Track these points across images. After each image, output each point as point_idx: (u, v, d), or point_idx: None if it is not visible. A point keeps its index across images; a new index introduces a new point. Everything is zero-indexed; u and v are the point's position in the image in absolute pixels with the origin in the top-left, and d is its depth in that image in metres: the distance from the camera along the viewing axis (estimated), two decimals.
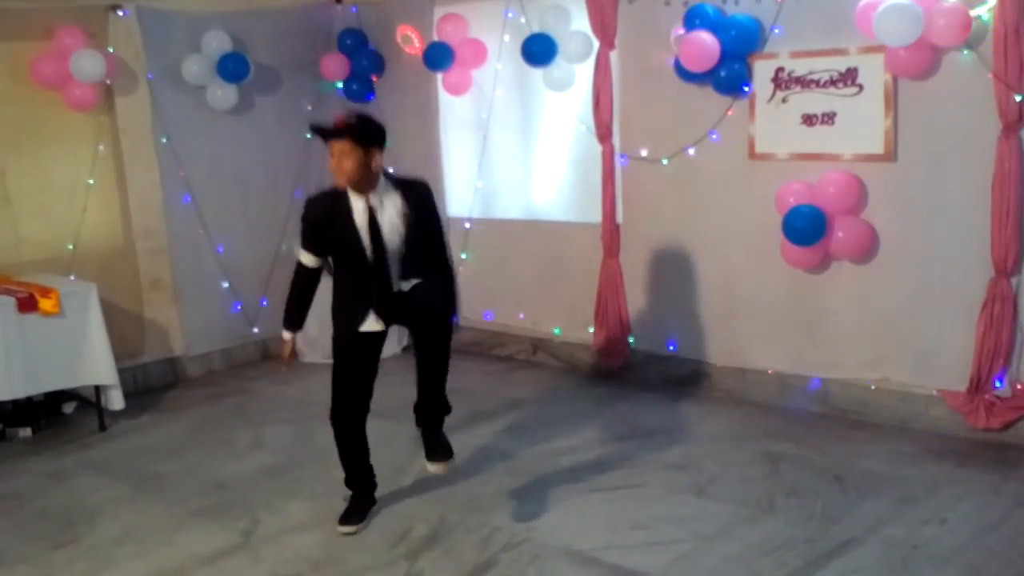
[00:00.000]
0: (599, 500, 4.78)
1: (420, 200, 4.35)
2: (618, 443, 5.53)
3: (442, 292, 4.47)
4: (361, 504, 4.71)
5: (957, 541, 4.18)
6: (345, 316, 4.46)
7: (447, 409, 4.64)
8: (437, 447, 4.53)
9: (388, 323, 4.43)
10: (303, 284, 4.54)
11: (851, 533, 4.29)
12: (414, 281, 4.36)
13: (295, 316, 4.64)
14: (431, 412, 4.56)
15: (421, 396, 4.55)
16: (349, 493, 4.73)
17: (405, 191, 4.32)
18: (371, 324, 4.41)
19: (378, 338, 4.48)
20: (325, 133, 4.21)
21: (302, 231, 4.43)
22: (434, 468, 4.52)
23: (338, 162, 4.15)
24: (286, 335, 4.68)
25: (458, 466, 5.15)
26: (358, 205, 4.25)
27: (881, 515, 4.46)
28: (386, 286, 4.32)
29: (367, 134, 4.17)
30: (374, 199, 4.24)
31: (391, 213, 4.26)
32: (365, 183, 4.21)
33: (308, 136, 7.74)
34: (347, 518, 4.62)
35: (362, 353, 4.49)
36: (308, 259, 4.44)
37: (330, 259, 4.47)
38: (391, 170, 4.43)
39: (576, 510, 4.67)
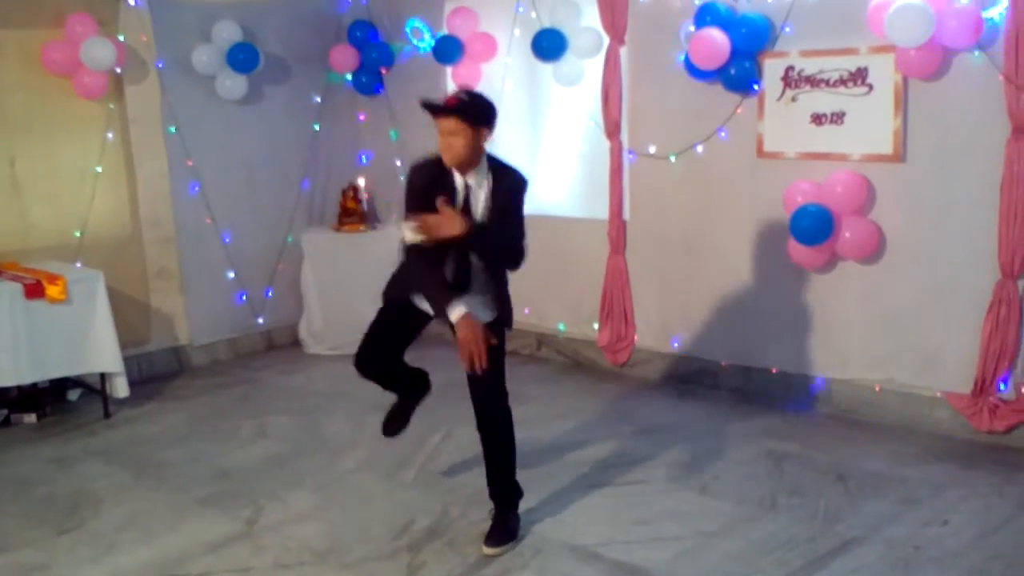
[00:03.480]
0: (602, 495, 4.79)
1: (507, 191, 4.12)
2: (621, 439, 5.53)
3: (508, 310, 4.28)
4: (402, 409, 4.67)
5: (959, 543, 4.18)
6: (411, 284, 4.23)
7: (514, 492, 4.40)
8: (493, 528, 4.30)
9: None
10: (424, 260, 4.11)
11: (853, 533, 4.29)
12: (492, 283, 4.22)
13: (447, 288, 4.11)
14: (493, 489, 4.38)
15: (487, 468, 4.38)
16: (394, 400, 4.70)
17: (498, 177, 4.12)
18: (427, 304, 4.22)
19: (423, 318, 4.32)
20: (435, 110, 4.01)
21: (407, 198, 4.16)
22: (485, 549, 4.22)
23: (447, 141, 3.98)
24: (459, 312, 4.01)
25: (461, 460, 5.19)
26: (458, 182, 4.09)
27: (883, 515, 4.46)
28: (463, 273, 4.15)
29: (479, 112, 4.00)
30: (472, 179, 4.09)
31: (481, 196, 4.11)
32: (470, 163, 4.06)
33: (316, 127, 7.78)
34: (387, 427, 4.67)
35: (404, 319, 4.33)
36: (411, 232, 4.05)
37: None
38: (492, 153, 4.23)
39: (579, 505, 4.68)
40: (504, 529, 4.31)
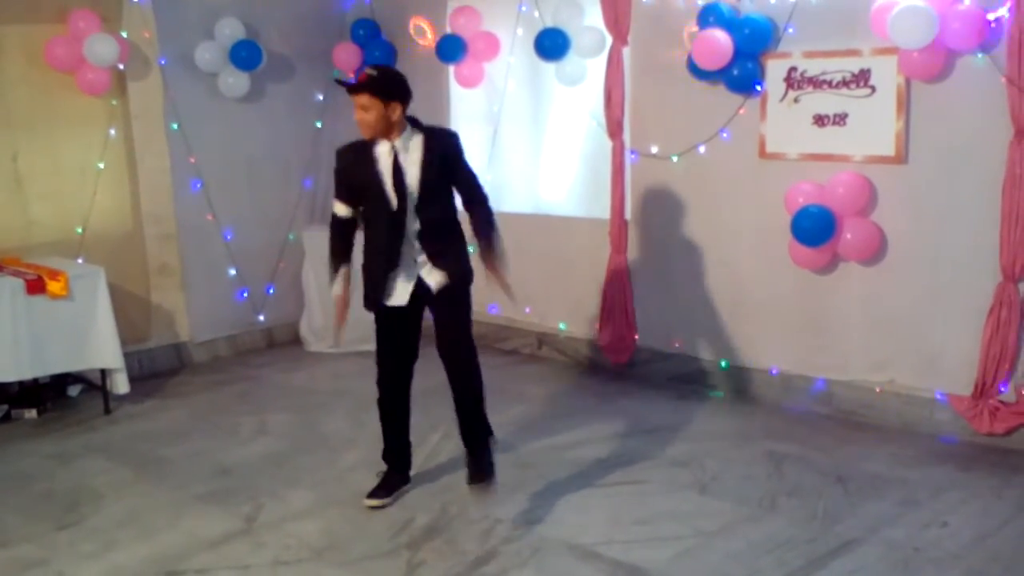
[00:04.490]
0: (601, 495, 4.79)
1: (441, 145, 4.46)
2: (621, 439, 5.53)
3: (461, 268, 4.53)
4: (391, 480, 4.79)
5: (958, 544, 4.18)
6: (372, 282, 4.51)
7: (486, 428, 4.71)
8: (474, 467, 4.54)
9: (412, 296, 4.49)
10: (339, 234, 4.60)
11: (852, 534, 4.29)
12: (436, 245, 4.46)
13: (338, 265, 4.62)
14: (468, 433, 4.64)
15: (458, 415, 4.66)
16: (383, 469, 4.81)
17: (429, 136, 4.43)
18: (396, 298, 4.49)
19: (404, 312, 4.53)
20: (348, 87, 4.35)
21: (335, 181, 4.60)
22: (471, 487, 4.52)
23: (360, 115, 4.31)
24: (336, 290, 4.62)
25: (460, 459, 5.17)
26: (383, 149, 4.38)
27: (883, 517, 4.46)
28: (407, 237, 4.43)
29: (387, 87, 4.30)
30: (398, 143, 4.36)
31: (415, 157, 4.38)
32: (387, 132, 4.34)
33: (318, 124, 7.78)
34: (375, 492, 4.72)
35: (393, 324, 4.58)
36: (341, 209, 4.56)
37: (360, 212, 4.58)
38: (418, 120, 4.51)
39: (578, 504, 4.68)
40: (487, 465, 4.54)
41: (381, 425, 4.79)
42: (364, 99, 4.28)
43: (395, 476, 4.81)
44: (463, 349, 4.56)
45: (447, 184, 4.49)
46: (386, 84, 4.31)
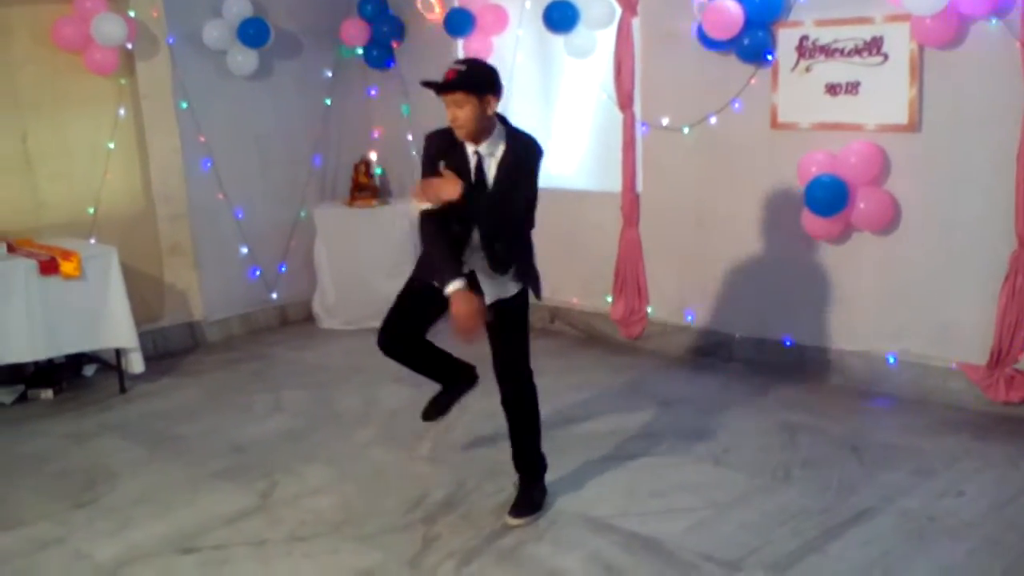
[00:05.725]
0: (616, 467, 4.80)
1: (516, 159, 4.02)
2: (635, 412, 5.53)
3: (523, 285, 4.21)
4: (441, 397, 4.63)
5: (974, 513, 4.18)
6: (431, 266, 4.13)
7: (539, 464, 4.42)
8: (517, 499, 4.33)
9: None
10: (436, 232, 4.05)
11: (867, 504, 4.29)
12: (502, 257, 4.11)
13: (451, 264, 4.01)
14: (518, 462, 4.39)
15: (511, 442, 4.39)
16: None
17: (511, 144, 4.03)
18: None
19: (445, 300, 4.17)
20: (437, 87, 3.95)
21: (422, 166, 4.16)
22: (508, 520, 4.25)
23: (454, 113, 3.92)
24: (455, 286, 3.93)
25: (476, 434, 5.19)
26: (470, 150, 4.03)
27: (898, 486, 4.45)
28: (472, 244, 4.09)
29: (480, 81, 3.92)
30: (484, 148, 4.01)
31: (494, 165, 4.03)
32: (482, 132, 3.98)
33: (327, 101, 7.76)
34: (426, 411, 4.64)
35: (427, 298, 4.16)
36: (423, 203, 4.03)
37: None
38: (508, 120, 4.15)
39: (593, 477, 4.69)
40: (528, 500, 4.33)
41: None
42: (457, 97, 3.89)
43: (448, 392, 4.60)
44: (515, 375, 4.25)
45: (519, 194, 4.09)
46: (479, 77, 3.93)
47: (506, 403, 4.31)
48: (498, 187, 4.03)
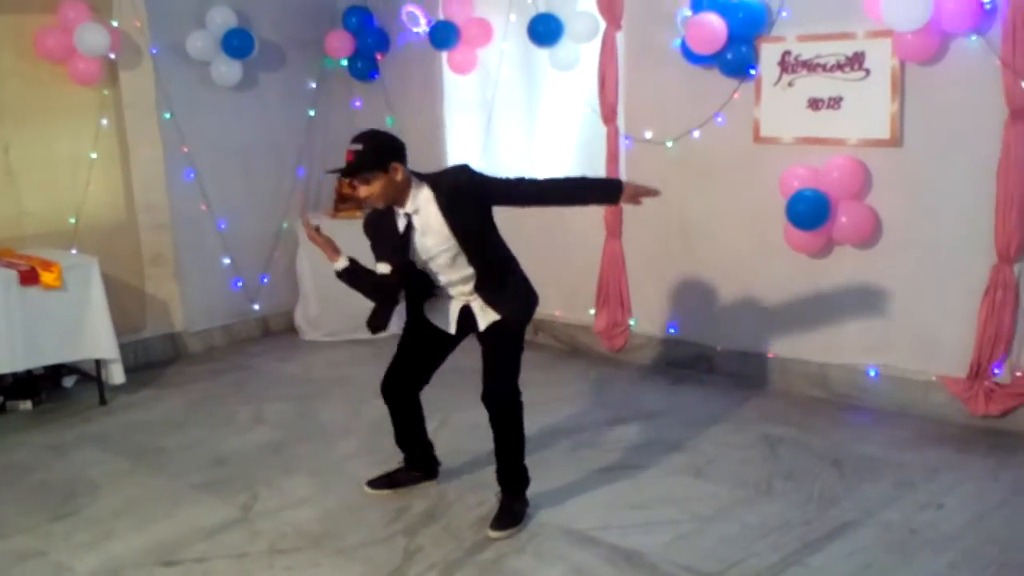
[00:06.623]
0: (598, 480, 4.80)
1: (453, 191, 4.10)
2: (617, 424, 5.54)
3: (516, 308, 4.32)
4: (396, 475, 4.74)
5: (955, 526, 4.19)
6: (419, 302, 4.41)
7: (521, 478, 4.44)
8: (499, 512, 4.35)
9: (458, 330, 4.37)
10: (385, 292, 4.29)
11: (849, 516, 4.30)
12: (494, 287, 4.25)
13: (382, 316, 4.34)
14: (501, 477, 4.42)
15: (496, 457, 4.42)
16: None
17: (435, 189, 4.11)
18: (441, 321, 4.38)
19: (446, 335, 4.40)
20: (341, 173, 4.15)
21: (373, 252, 4.31)
22: (490, 532, 4.27)
23: (366, 192, 4.07)
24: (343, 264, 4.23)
25: (458, 446, 5.18)
26: (400, 213, 4.15)
27: (879, 499, 4.47)
28: (437, 292, 4.33)
29: (379, 155, 4.02)
30: (409, 207, 4.11)
31: (432, 214, 4.10)
32: (401, 195, 4.09)
33: (311, 113, 7.76)
34: (374, 480, 4.72)
35: (427, 337, 4.42)
36: (383, 267, 4.21)
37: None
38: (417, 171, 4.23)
39: (575, 490, 4.69)
40: (510, 513, 4.34)
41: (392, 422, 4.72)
42: (363, 175, 4.03)
43: (401, 472, 4.75)
44: (502, 399, 4.29)
45: (486, 221, 4.21)
46: (378, 152, 4.02)
47: (493, 420, 4.33)
48: (463, 234, 4.12)
